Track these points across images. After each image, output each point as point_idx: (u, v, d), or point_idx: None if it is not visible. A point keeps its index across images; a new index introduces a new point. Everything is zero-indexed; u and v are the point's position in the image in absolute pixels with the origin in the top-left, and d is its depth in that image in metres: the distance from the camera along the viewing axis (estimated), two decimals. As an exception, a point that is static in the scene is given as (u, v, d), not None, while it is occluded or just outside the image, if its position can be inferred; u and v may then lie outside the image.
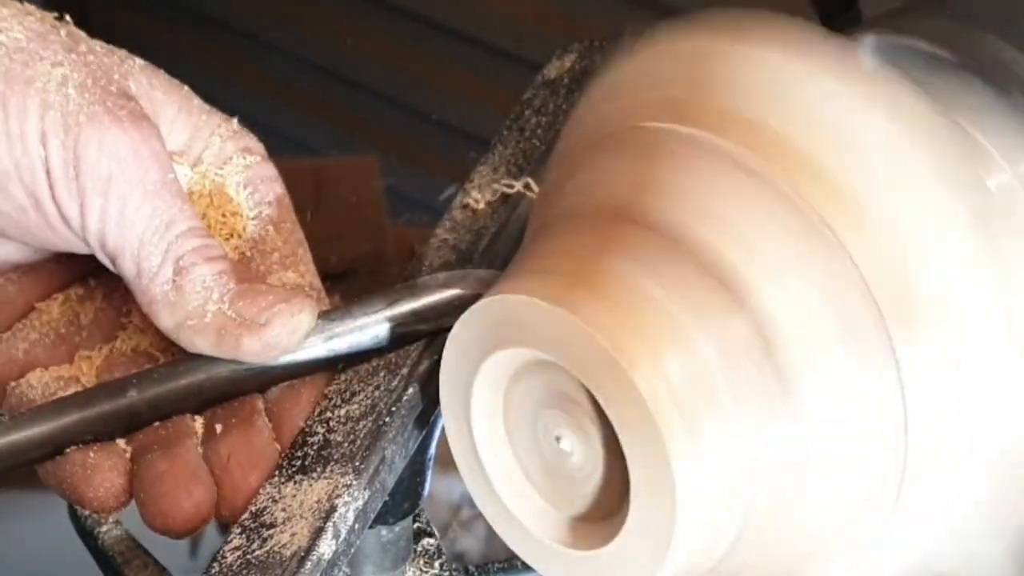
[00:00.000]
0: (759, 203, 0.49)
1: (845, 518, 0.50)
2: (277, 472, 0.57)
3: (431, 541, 0.67)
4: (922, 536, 0.51)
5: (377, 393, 0.59)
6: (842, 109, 0.49)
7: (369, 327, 0.59)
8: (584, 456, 0.52)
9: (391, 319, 0.59)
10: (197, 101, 0.62)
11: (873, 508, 0.50)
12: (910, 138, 0.48)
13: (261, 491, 0.57)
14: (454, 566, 0.66)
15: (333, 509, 0.55)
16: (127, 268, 0.56)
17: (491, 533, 0.55)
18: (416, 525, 0.66)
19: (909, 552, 0.51)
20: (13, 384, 0.60)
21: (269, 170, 0.62)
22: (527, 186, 0.69)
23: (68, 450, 0.57)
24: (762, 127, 0.49)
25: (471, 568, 0.68)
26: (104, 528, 0.64)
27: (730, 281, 0.49)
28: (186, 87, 0.62)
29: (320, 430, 0.58)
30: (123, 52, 0.60)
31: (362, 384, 0.60)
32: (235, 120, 0.62)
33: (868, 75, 0.49)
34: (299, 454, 0.58)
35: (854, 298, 0.48)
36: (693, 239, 0.50)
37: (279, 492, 0.56)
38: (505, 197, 0.70)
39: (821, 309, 0.49)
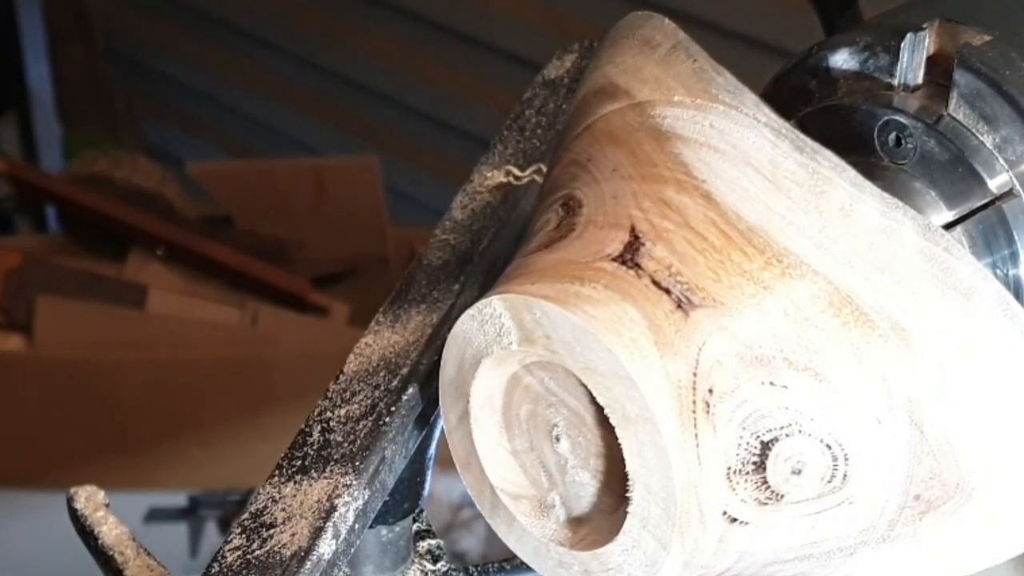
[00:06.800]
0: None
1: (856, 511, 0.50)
2: (277, 472, 0.57)
3: (431, 541, 0.67)
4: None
5: (377, 393, 0.59)
6: None
7: None
8: (583, 456, 0.52)
9: None
10: None
11: (890, 498, 0.50)
12: None
13: (261, 491, 0.57)
14: (454, 566, 0.66)
15: (333, 509, 0.55)
16: None
17: (491, 533, 0.55)
18: (416, 525, 0.66)
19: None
20: None
21: None
22: (538, 171, 0.69)
23: None
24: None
25: (471, 568, 0.68)
26: (104, 528, 0.64)
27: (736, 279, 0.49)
28: None
29: (320, 430, 0.58)
30: None
31: (362, 384, 0.60)
32: None
33: None
34: (299, 454, 0.58)
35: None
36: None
37: (279, 492, 0.56)
38: (507, 194, 0.70)
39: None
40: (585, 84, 0.57)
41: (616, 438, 0.49)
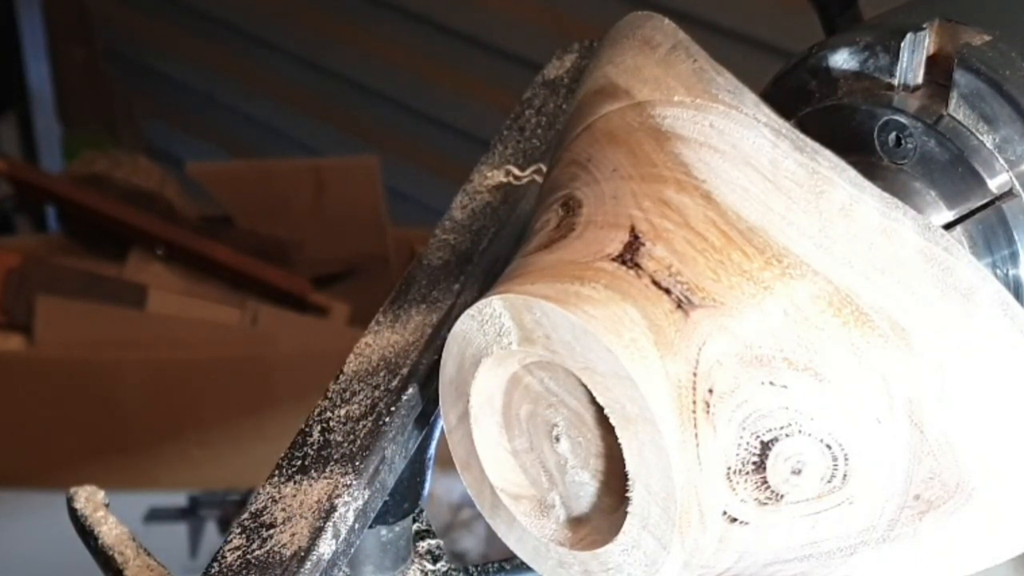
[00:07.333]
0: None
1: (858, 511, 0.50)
2: (277, 472, 0.57)
3: (431, 541, 0.67)
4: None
5: (377, 393, 0.59)
6: None
7: None
8: (583, 456, 0.52)
9: None
10: None
11: (890, 498, 0.50)
12: None
13: (261, 491, 0.57)
14: (454, 566, 0.66)
15: (333, 509, 0.55)
16: None
17: (491, 533, 0.55)
18: (416, 525, 0.66)
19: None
20: None
21: None
22: (538, 171, 0.69)
23: None
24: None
25: (471, 568, 0.68)
26: (104, 528, 0.64)
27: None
28: None
29: (320, 430, 0.58)
30: None
31: (362, 384, 0.60)
32: None
33: None
34: (299, 454, 0.58)
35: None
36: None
37: (279, 492, 0.56)
38: (507, 194, 0.70)
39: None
40: (585, 84, 0.57)
41: (616, 438, 0.49)
